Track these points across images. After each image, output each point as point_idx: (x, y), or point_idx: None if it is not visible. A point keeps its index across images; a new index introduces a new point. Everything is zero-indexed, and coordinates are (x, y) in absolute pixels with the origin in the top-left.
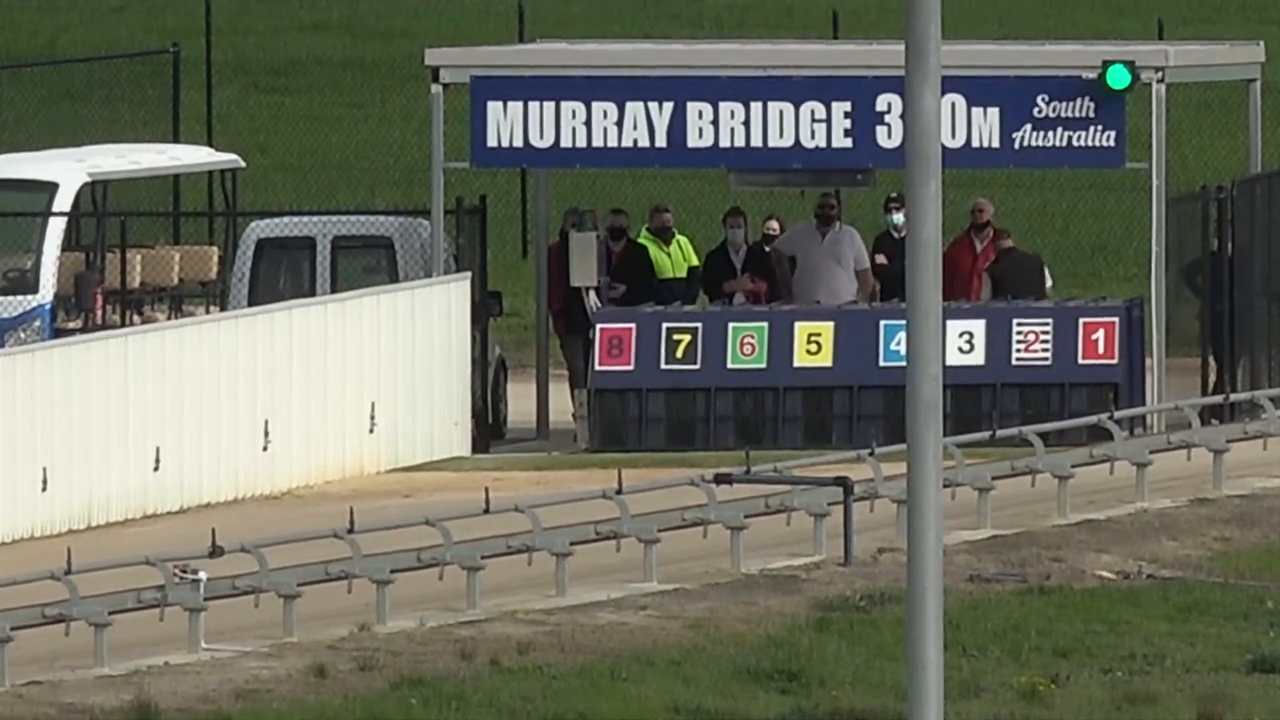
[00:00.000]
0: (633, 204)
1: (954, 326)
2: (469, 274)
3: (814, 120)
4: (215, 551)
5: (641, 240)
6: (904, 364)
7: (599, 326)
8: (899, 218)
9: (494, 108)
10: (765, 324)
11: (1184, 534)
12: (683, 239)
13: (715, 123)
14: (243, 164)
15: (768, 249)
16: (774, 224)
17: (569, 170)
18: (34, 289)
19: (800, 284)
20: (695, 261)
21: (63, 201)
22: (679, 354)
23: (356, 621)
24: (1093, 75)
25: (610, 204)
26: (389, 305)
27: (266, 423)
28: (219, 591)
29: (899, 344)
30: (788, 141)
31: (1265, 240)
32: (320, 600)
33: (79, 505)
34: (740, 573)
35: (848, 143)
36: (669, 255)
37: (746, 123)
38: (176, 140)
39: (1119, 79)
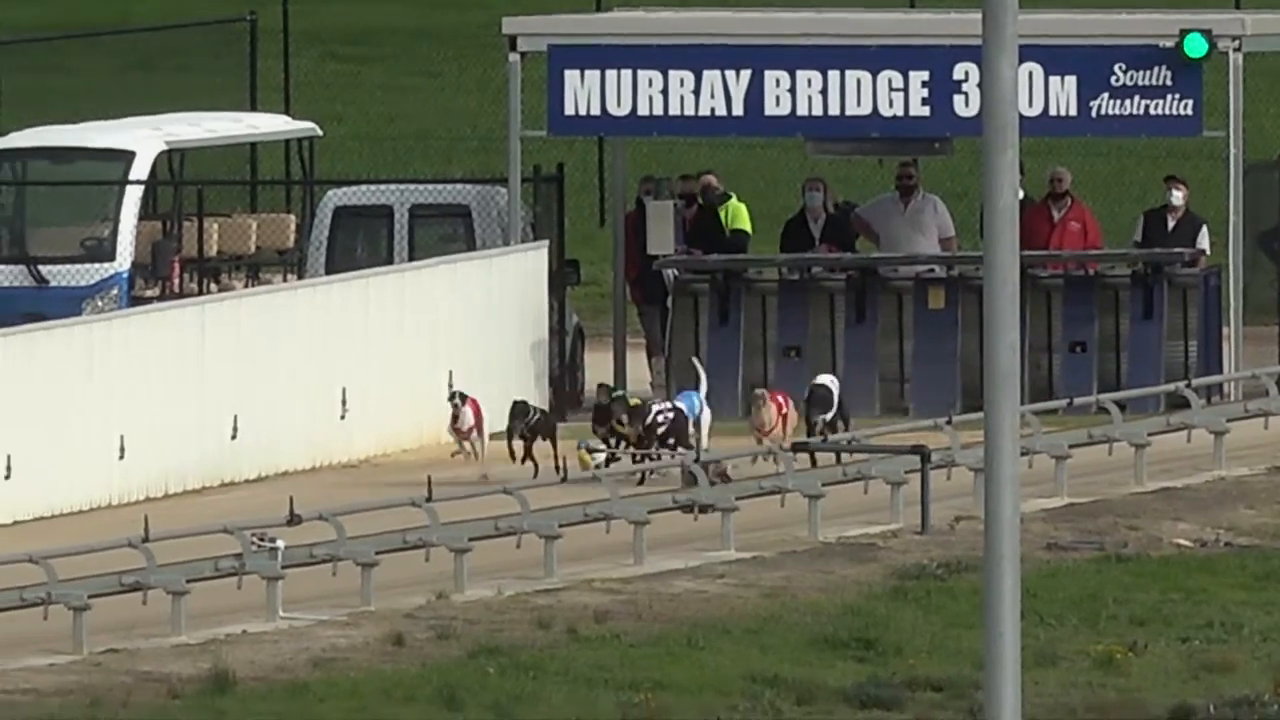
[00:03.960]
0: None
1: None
2: (546, 242)
3: (891, 89)
4: (293, 520)
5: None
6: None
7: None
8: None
9: (571, 76)
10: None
11: (1261, 502)
12: (738, 204)
13: (792, 91)
14: (319, 132)
15: (852, 214)
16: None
17: (646, 138)
18: (111, 257)
19: (884, 254)
20: (744, 225)
21: (140, 170)
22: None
23: (434, 590)
24: (1170, 44)
25: (687, 172)
26: (466, 274)
27: (344, 391)
28: (296, 560)
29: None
30: (865, 110)
31: None
32: (397, 569)
33: (156, 473)
34: (817, 541)
35: (925, 111)
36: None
37: (824, 91)
38: (253, 109)
39: (1196, 47)
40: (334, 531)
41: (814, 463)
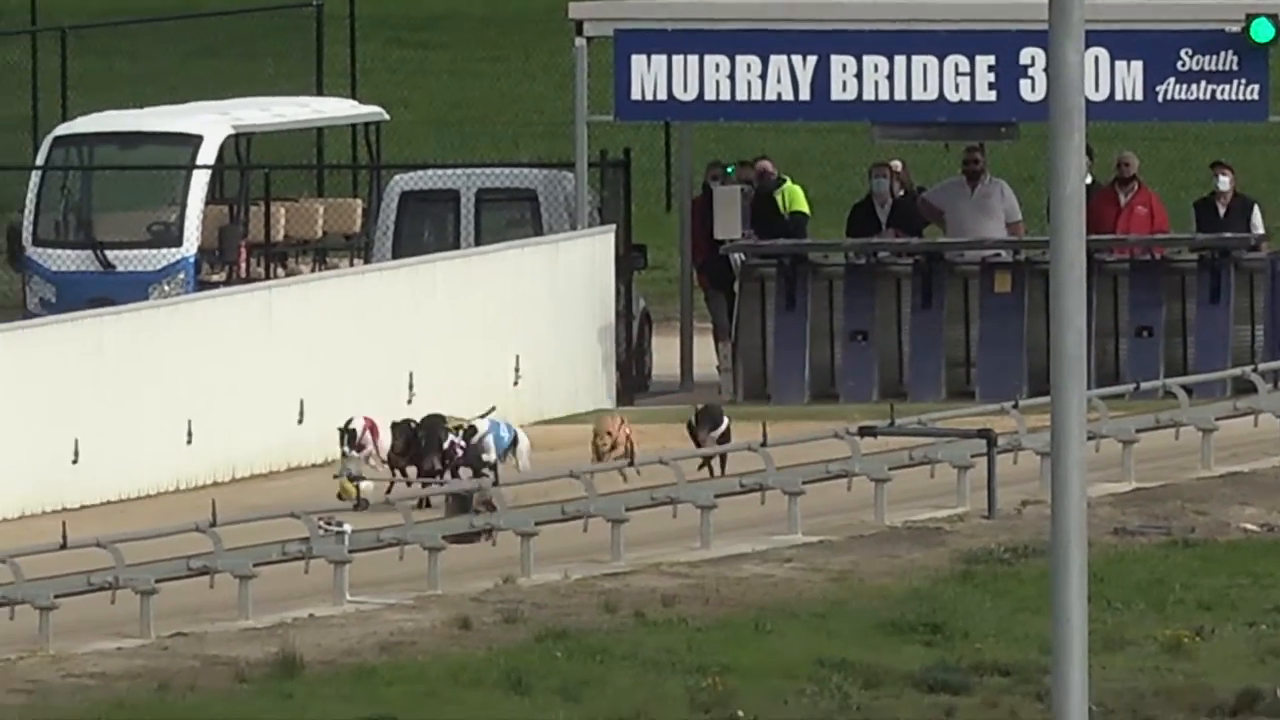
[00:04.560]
0: (776, 157)
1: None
2: (613, 227)
3: (958, 73)
4: (359, 504)
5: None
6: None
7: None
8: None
9: (638, 61)
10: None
11: None
12: (793, 187)
13: (859, 76)
14: (386, 116)
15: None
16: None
17: (712, 123)
18: (178, 242)
19: (951, 238)
20: (801, 208)
21: (207, 155)
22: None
23: (501, 574)
24: (1236, 28)
25: (754, 157)
26: (533, 258)
27: (410, 375)
28: (363, 544)
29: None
30: (931, 95)
31: None
32: (465, 553)
33: (223, 458)
34: (884, 525)
35: (991, 96)
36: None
37: (890, 76)
38: (319, 94)
39: (1263, 32)
40: (401, 516)
41: (712, 473)
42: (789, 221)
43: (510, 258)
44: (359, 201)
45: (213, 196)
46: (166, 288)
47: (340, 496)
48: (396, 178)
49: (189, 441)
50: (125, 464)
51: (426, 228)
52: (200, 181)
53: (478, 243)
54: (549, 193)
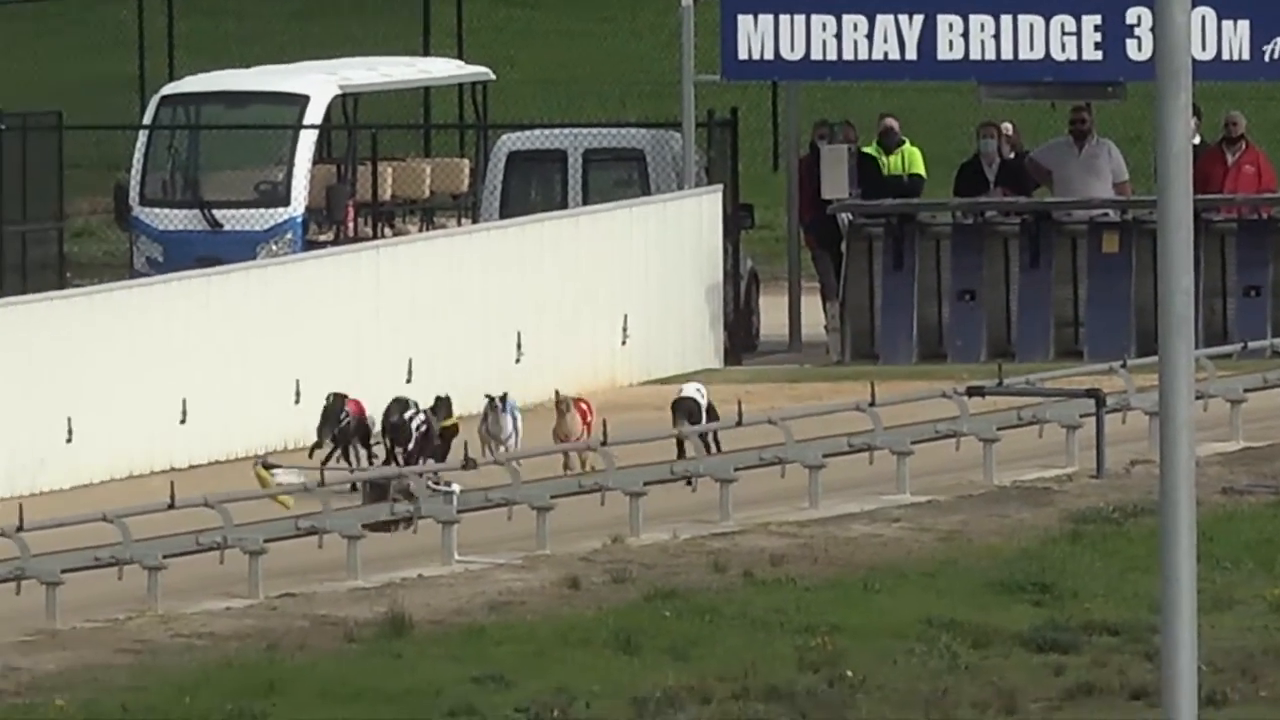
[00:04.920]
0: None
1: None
2: (720, 186)
3: (1064, 33)
4: (468, 464)
5: (868, 150)
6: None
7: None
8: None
9: (744, 21)
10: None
11: None
12: (912, 149)
13: (965, 35)
14: (493, 76)
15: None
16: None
17: (819, 83)
18: (286, 202)
19: (1058, 198)
20: (919, 170)
21: (314, 114)
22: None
23: (609, 534)
24: None
25: (860, 117)
26: (640, 218)
27: (519, 335)
28: (472, 504)
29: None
30: (1038, 54)
31: None
32: (573, 512)
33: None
34: (993, 485)
35: (1098, 56)
36: (888, 163)
37: (997, 35)
38: (426, 54)
39: None
40: (510, 475)
41: (681, 453)
42: (905, 183)
43: (618, 218)
44: (466, 161)
45: (320, 156)
46: (274, 247)
47: (260, 486)
48: (504, 138)
49: (296, 401)
50: (233, 424)
51: (534, 188)
52: (307, 141)
53: (585, 203)
54: (656, 153)
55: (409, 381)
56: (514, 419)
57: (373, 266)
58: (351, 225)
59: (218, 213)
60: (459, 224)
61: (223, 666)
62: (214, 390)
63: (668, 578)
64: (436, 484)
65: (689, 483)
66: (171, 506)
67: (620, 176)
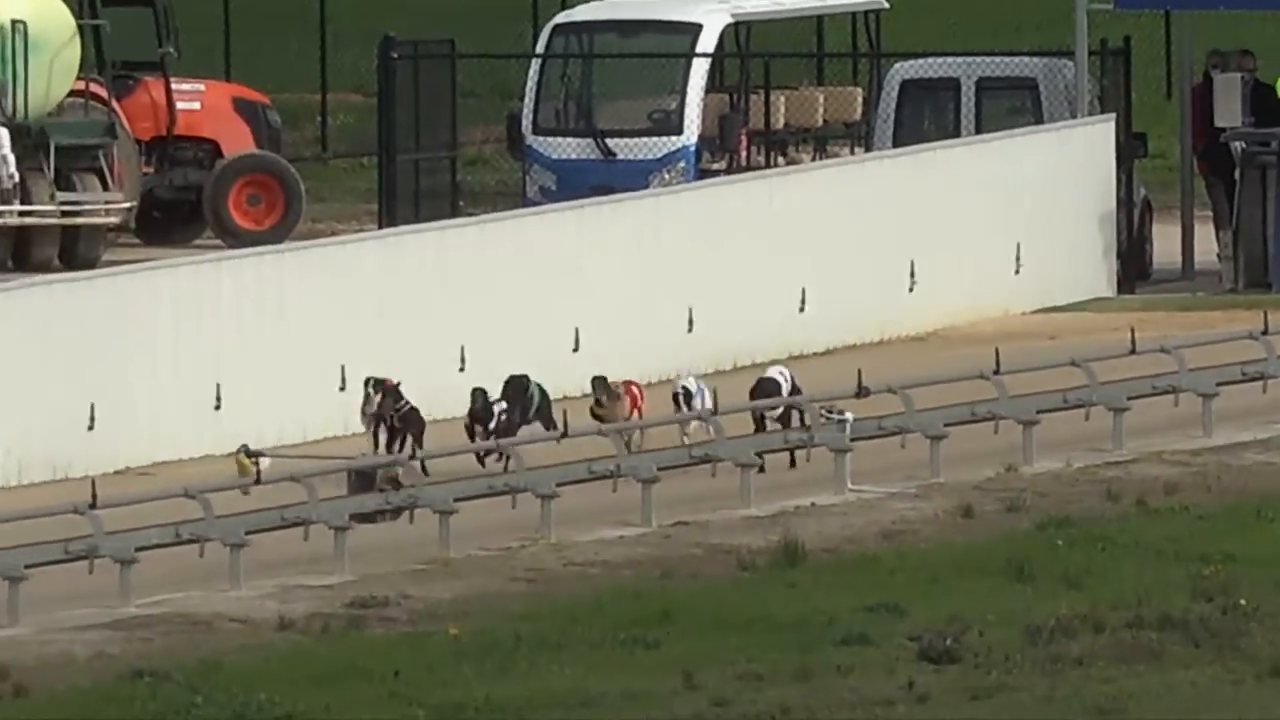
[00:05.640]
0: (1274, 46)
1: None
2: (1113, 115)
3: None
4: (861, 392)
5: (1264, 81)
6: None
7: None
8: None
9: None
10: None
11: None
12: None
13: None
14: (886, 4)
15: None
16: None
17: (1212, 11)
18: (679, 130)
19: None
20: None
21: (706, 43)
22: None
23: (1003, 462)
24: None
25: (1255, 46)
26: (1033, 146)
27: (912, 264)
28: (865, 433)
29: None
30: None
31: None
32: (966, 441)
33: (724, 346)
34: None
35: None
36: None
37: None
38: None
39: None
40: (902, 404)
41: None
42: None
43: (1011, 146)
44: (859, 90)
45: (712, 85)
46: (667, 176)
47: (240, 473)
48: (897, 66)
49: (690, 330)
50: (624, 352)
51: (926, 116)
52: (700, 70)
53: (977, 131)
54: (1049, 81)
55: (802, 310)
56: (703, 395)
57: (765, 196)
58: (744, 154)
59: (610, 141)
60: (851, 152)
61: (616, 595)
62: (606, 319)
63: (1061, 506)
64: (830, 412)
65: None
66: (564, 435)
67: (1013, 104)
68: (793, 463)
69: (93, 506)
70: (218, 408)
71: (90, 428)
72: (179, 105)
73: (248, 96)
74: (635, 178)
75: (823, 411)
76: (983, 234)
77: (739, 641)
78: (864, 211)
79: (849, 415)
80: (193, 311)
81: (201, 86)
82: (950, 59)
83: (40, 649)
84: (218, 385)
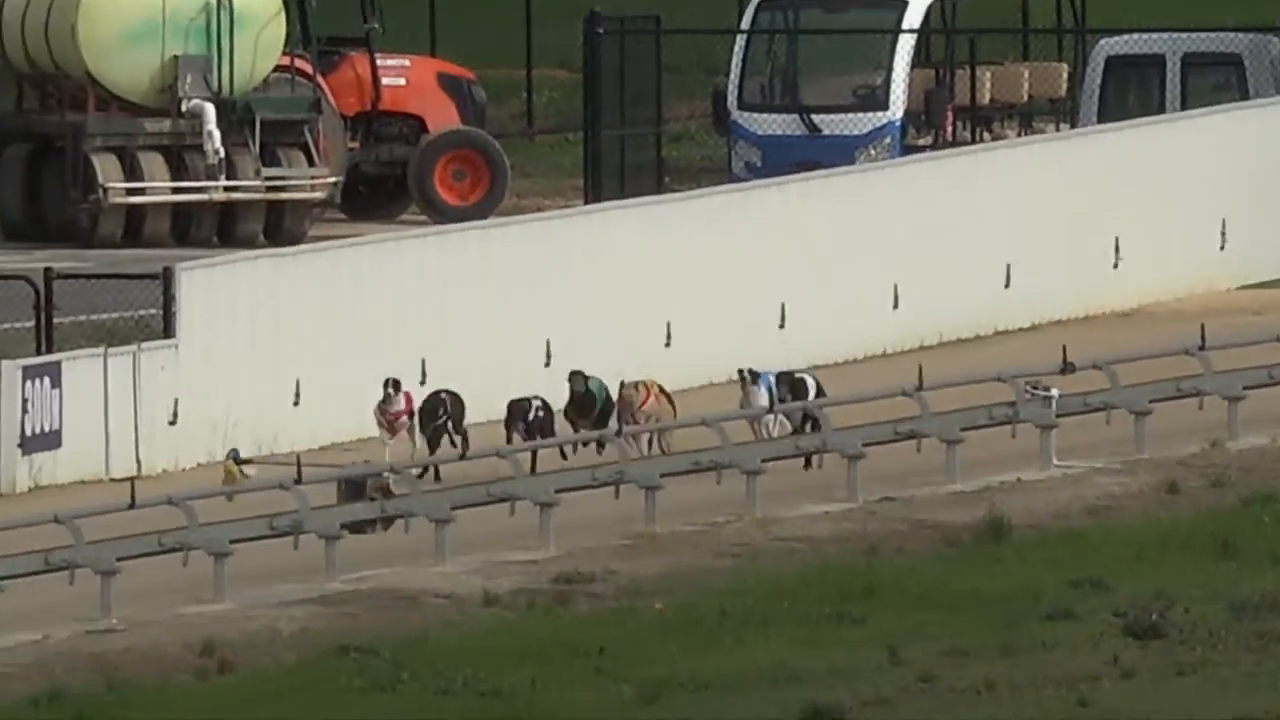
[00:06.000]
0: None
1: None
2: None
3: None
4: (1067, 368)
5: None
6: None
7: None
8: None
9: None
10: None
11: None
12: None
13: None
14: None
15: None
16: None
17: None
18: (884, 106)
19: None
20: None
21: (912, 18)
22: None
23: (1208, 438)
24: None
25: None
26: (1239, 122)
27: (1116, 240)
28: (1070, 408)
29: None
30: None
31: None
32: (1171, 416)
33: (930, 322)
34: None
35: None
36: None
37: None
38: None
39: None
40: (1107, 380)
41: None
42: None
43: (1216, 122)
44: (1064, 66)
45: (918, 60)
46: (872, 152)
47: (226, 480)
48: (1102, 42)
49: (895, 306)
50: (830, 328)
51: (1131, 92)
52: (906, 45)
53: (1182, 107)
54: (1254, 56)
55: (1007, 287)
56: (770, 391)
57: (970, 171)
58: (950, 129)
59: (816, 117)
60: (1057, 128)
61: (821, 570)
62: (810, 295)
63: (1267, 482)
64: (1035, 388)
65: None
66: (772, 410)
67: (1218, 80)
68: (807, 464)
69: (298, 482)
70: (423, 382)
71: (295, 403)
72: (384, 81)
73: (453, 72)
74: (840, 153)
75: (1028, 387)
76: (1188, 210)
77: (944, 617)
78: (1069, 188)
79: (1055, 391)
80: (397, 287)
81: (407, 62)
82: (1155, 34)
83: (245, 625)
84: (423, 360)
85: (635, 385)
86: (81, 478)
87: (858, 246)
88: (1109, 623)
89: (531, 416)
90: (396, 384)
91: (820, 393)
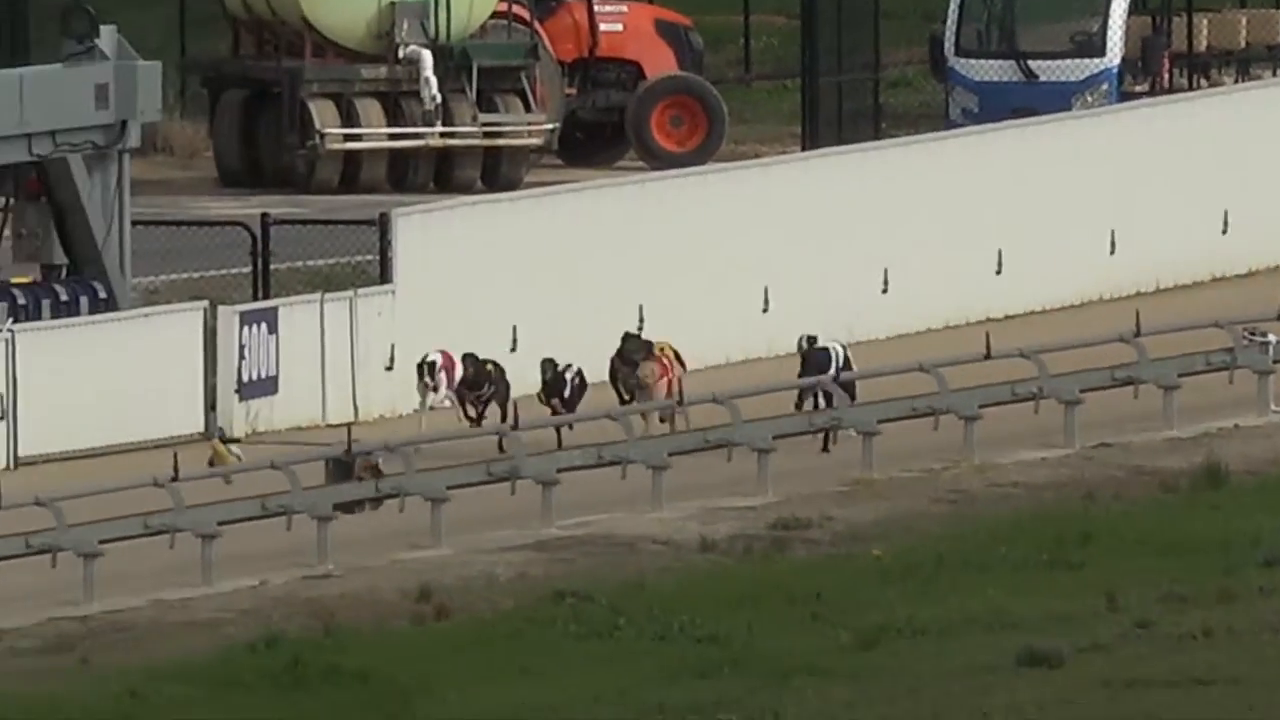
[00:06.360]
0: None
1: None
2: None
3: None
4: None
5: None
6: None
7: None
8: None
9: None
10: None
11: None
12: None
13: None
14: None
15: None
16: None
17: None
18: (1101, 52)
19: None
20: None
21: None
22: None
23: None
24: None
25: None
26: None
27: None
28: None
29: None
30: None
31: None
32: None
33: (1147, 268)
34: None
35: None
36: None
37: None
38: None
39: None
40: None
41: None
42: None
43: None
44: None
45: (1136, 7)
46: (1089, 98)
47: (211, 464)
48: None
49: (1112, 252)
50: (1047, 275)
51: None
52: None
53: None
54: None
55: (1224, 233)
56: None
57: (1188, 118)
58: (1167, 76)
59: (1032, 63)
60: (1274, 75)
61: (1037, 516)
62: (1028, 241)
63: None
64: (1253, 334)
65: None
66: (988, 357)
67: None
68: (826, 445)
69: (514, 428)
70: (640, 328)
71: (512, 350)
72: (601, 27)
73: (670, 18)
74: (1057, 100)
75: (1245, 333)
76: None
77: (1161, 563)
78: None
79: (1272, 337)
80: (614, 234)
81: (624, 8)
82: None
83: (462, 570)
84: (640, 307)
85: (649, 355)
86: (298, 423)
87: (1074, 193)
88: None
89: (568, 393)
90: (431, 365)
91: (848, 364)
